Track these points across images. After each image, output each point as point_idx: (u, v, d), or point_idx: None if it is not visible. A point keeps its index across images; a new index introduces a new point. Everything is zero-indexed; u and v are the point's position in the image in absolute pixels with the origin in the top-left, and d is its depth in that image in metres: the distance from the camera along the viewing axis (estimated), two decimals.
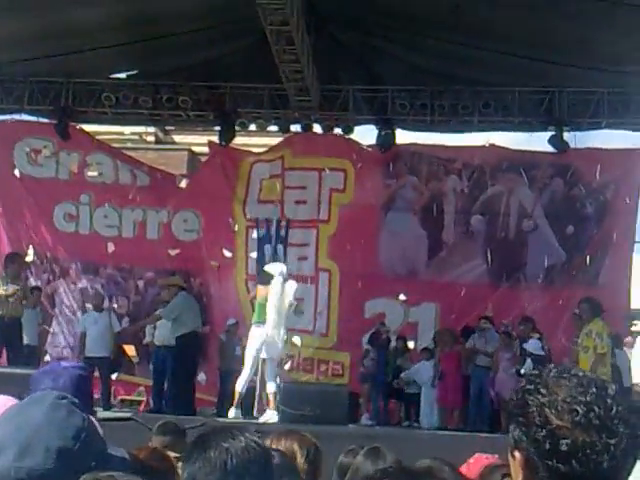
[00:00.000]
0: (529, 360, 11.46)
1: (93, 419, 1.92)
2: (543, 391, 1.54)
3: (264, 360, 10.25)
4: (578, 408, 1.50)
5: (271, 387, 10.12)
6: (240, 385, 10.38)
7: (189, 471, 2.00)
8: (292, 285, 10.31)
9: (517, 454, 1.58)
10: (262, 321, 10.19)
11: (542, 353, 11.76)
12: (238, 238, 15.02)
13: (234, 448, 1.98)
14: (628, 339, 11.43)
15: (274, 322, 10.02)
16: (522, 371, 11.20)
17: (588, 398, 1.51)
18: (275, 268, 10.59)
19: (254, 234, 14.85)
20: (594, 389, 1.53)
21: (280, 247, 12.37)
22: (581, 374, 1.57)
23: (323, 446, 8.33)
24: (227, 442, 1.99)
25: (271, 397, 10.11)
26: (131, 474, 1.72)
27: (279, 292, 10.11)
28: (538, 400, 1.54)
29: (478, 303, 14.03)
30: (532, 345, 11.79)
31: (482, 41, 13.00)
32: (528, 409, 1.55)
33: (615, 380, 10.47)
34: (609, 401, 1.52)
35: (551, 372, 1.59)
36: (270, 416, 9.92)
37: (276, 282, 10.19)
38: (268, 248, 12.43)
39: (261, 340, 10.14)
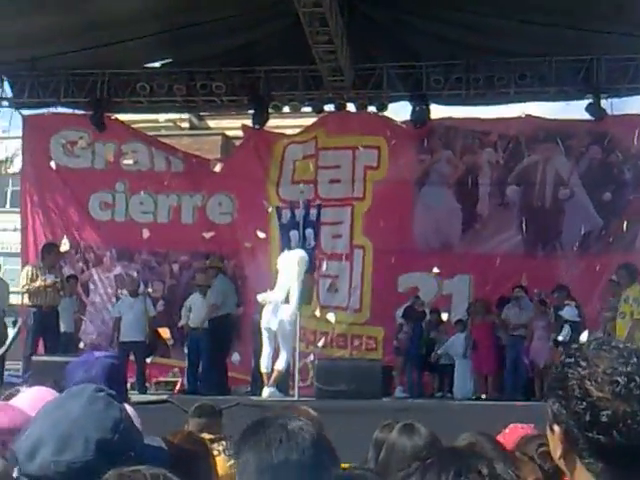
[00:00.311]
0: (567, 327, 11.38)
1: (129, 409, 1.95)
2: (583, 364, 1.53)
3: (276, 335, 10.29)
4: (619, 379, 1.49)
5: (279, 364, 10.18)
6: (264, 364, 10.36)
7: (244, 452, 1.96)
8: (301, 256, 10.46)
9: (556, 428, 1.57)
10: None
11: (578, 319, 11.68)
12: (272, 219, 15.06)
13: (290, 426, 1.96)
14: None
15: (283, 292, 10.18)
16: (560, 338, 11.13)
17: (629, 369, 1.50)
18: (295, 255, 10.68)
19: (282, 218, 14.87)
20: (635, 359, 1.52)
21: (310, 231, 12.37)
22: (622, 346, 1.56)
23: (359, 420, 8.40)
24: (283, 420, 1.98)
25: (276, 373, 10.17)
26: (164, 464, 1.70)
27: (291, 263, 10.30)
28: (578, 373, 1.53)
29: (513, 273, 13.91)
30: (568, 312, 11.71)
31: (515, 12, 12.83)
32: (567, 382, 1.54)
33: None
34: None
35: (591, 345, 1.58)
36: (269, 393, 9.98)
37: (288, 258, 10.38)
38: (295, 234, 12.44)
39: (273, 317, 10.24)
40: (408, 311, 13.39)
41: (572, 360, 1.56)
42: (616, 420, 1.48)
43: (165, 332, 14.07)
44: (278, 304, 10.29)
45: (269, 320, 10.31)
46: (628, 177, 14.32)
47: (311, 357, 14.19)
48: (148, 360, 13.01)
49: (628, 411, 1.48)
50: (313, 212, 12.89)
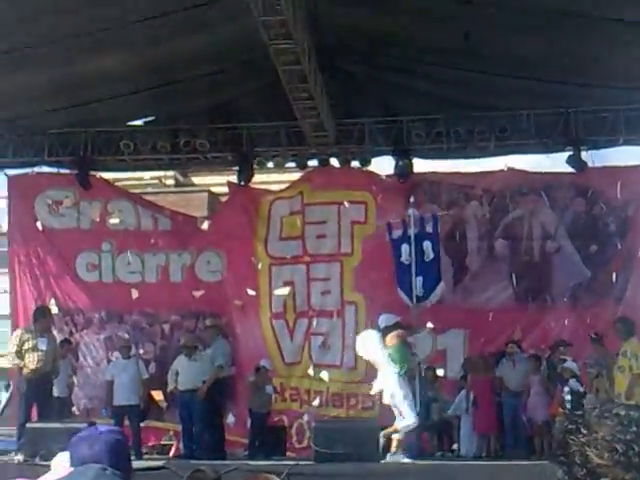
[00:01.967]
0: (572, 380, 11.33)
1: None
2: (584, 431, 1.55)
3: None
4: (618, 447, 1.51)
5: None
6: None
7: None
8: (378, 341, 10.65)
9: None
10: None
11: (580, 374, 11.66)
12: (261, 276, 15.06)
13: None
14: None
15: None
16: (574, 390, 11.07)
17: (628, 437, 1.51)
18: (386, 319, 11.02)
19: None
20: (634, 428, 1.53)
21: (427, 243, 12.35)
22: (623, 413, 1.57)
23: None
24: None
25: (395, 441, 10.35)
26: None
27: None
28: (579, 440, 1.55)
29: (506, 327, 13.97)
30: (574, 366, 11.67)
31: (494, 66, 13.05)
32: (569, 449, 1.57)
33: None
34: None
35: (593, 411, 1.60)
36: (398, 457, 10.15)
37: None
38: (406, 248, 12.41)
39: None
40: None
41: (574, 427, 1.58)
42: None
43: (158, 394, 13.90)
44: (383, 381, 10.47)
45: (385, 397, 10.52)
46: (613, 229, 14.47)
47: (306, 417, 14.06)
48: (142, 424, 12.82)
49: (627, 478, 1.50)
50: (428, 223, 12.83)
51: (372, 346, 10.60)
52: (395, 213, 14.96)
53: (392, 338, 10.60)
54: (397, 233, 13.35)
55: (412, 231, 12.62)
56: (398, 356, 10.47)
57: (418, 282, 12.62)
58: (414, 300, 12.62)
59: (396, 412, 10.42)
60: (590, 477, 1.52)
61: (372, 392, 10.90)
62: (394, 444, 10.36)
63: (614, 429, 1.53)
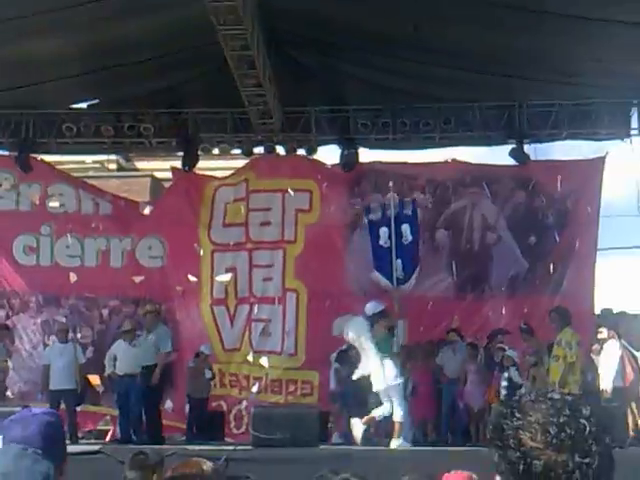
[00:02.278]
0: (512, 368, 11.51)
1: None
2: (518, 415, 1.57)
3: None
4: (550, 429, 1.53)
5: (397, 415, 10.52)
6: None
7: None
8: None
9: (497, 477, 1.61)
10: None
11: (518, 362, 11.86)
12: (203, 263, 14.99)
13: None
14: (595, 346, 11.54)
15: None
16: (514, 379, 11.25)
17: (561, 420, 1.54)
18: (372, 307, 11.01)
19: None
20: (567, 411, 1.55)
21: (406, 226, 12.37)
22: (557, 397, 1.60)
23: (296, 469, 8.31)
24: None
25: (397, 426, 10.48)
26: None
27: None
28: (513, 423, 1.57)
29: (445, 316, 14.15)
30: (514, 354, 11.86)
31: (441, 58, 13.13)
32: (504, 433, 1.58)
33: (587, 387, 10.60)
34: (582, 421, 1.55)
35: (528, 396, 1.62)
36: (398, 444, 10.31)
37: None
38: (385, 231, 12.37)
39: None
40: (341, 356, 13.34)
41: (508, 411, 1.60)
42: (548, 469, 1.52)
43: (95, 379, 13.74)
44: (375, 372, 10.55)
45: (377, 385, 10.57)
46: (552, 221, 14.74)
47: (244, 403, 14.06)
48: (78, 408, 12.66)
49: (559, 460, 1.52)
50: (407, 207, 12.78)
51: (360, 333, 10.67)
52: (340, 202, 15.07)
53: (379, 327, 10.65)
54: (375, 216, 13.40)
55: (392, 213, 12.65)
56: (385, 344, 10.58)
57: (398, 265, 12.71)
58: (394, 283, 12.70)
59: (384, 397, 10.54)
60: (524, 460, 1.54)
61: (354, 377, 10.84)
62: (396, 428, 10.48)
63: (547, 412, 1.55)
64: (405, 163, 15.43)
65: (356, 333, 10.79)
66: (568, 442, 1.52)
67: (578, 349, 10.34)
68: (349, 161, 15.05)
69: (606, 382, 10.50)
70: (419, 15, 11.98)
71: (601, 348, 11.00)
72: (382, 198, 14.82)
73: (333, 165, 15.39)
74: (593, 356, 11.30)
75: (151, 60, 13.63)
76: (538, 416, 1.55)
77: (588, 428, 1.54)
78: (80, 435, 12.66)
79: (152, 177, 22.28)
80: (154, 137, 15.10)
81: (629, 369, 10.59)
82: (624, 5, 11.21)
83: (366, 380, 10.73)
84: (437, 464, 8.65)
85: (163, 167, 18.89)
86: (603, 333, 10.86)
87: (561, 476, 1.52)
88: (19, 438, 2.27)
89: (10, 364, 14.15)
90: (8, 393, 13.56)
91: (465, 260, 14.76)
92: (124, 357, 12.08)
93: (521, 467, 1.54)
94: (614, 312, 12.40)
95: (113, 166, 23.69)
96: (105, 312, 15.07)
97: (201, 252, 14.91)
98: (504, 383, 11.37)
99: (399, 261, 12.73)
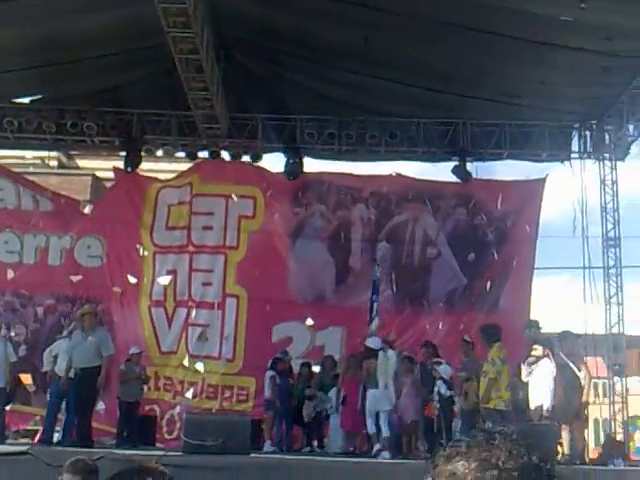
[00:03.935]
0: (440, 382, 11.60)
1: None
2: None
3: (378, 412, 11.38)
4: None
5: (385, 432, 11.26)
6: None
7: None
8: (391, 355, 11.74)
9: None
10: (374, 385, 11.42)
11: (449, 378, 11.95)
12: (145, 264, 14.86)
13: None
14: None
15: (383, 384, 11.35)
16: (442, 392, 11.34)
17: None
18: (374, 343, 11.79)
19: (164, 260, 14.77)
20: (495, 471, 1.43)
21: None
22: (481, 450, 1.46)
23: (226, 476, 8.24)
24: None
25: (384, 441, 11.23)
26: None
27: (382, 361, 11.47)
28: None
29: (382, 327, 14.22)
30: (444, 370, 11.95)
31: (389, 72, 13.28)
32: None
33: (516, 405, 10.74)
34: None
35: (445, 450, 1.51)
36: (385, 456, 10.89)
37: (380, 355, 11.52)
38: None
39: (375, 398, 11.41)
40: (274, 364, 13.31)
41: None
42: None
43: (27, 378, 13.45)
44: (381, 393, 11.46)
45: (373, 404, 11.48)
46: (491, 239, 14.98)
47: (178, 408, 13.93)
48: (7, 407, 12.38)
49: None
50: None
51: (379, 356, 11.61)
52: (283, 210, 15.10)
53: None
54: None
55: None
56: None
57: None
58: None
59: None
60: None
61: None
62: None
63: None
64: (350, 175, 15.54)
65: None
66: None
67: (502, 366, 10.47)
68: (294, 170, 15.10)
69: (537, 400, 10.65)
70: (370, 28, 12.08)
71: (535, 365, 11.16)
72: (325, 210, 14.94)
73: (278, 173, 15.39)
74: (525, 373, 11.43)
75: (98, 58, 13.47)
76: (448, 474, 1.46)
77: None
78: (8, 435, 12.38)
79: (93, 176, 22.01)
80: (97, 136, 14.95)
81: (559, 389, 10.74)
82: (568, 30, 11.47)
83: None
84: (366, 476, 8.74)
85: (105, 167, 18.67)
86: (538, 350, 11.01)
87: None
88: None
89: None
90: None
91: (405, 273, 14.91)
92: (63, 358, 11.83)
93: None
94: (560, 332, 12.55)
95: (54, 163, 23.35)
96: (40, 310, 14.82)
97: (145, 253, 14.78)
98: (436, 397, 11.48)
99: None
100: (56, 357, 12.04)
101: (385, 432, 11.32)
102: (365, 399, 11.82)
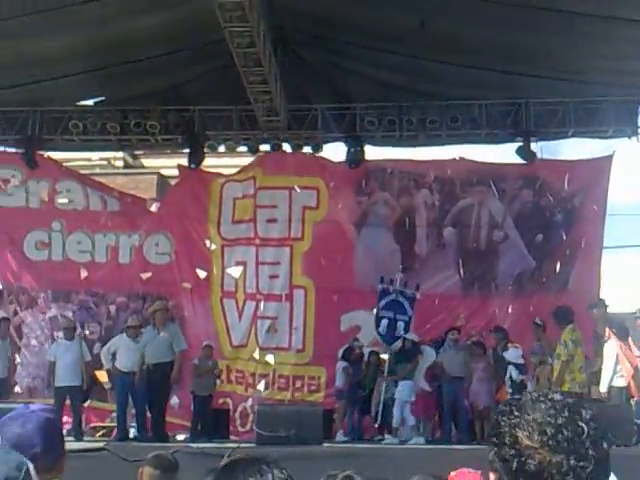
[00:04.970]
0: (511, 368, 11.48)
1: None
2: (516, 413, 1.56)
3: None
4: (547, 430, 1.51)
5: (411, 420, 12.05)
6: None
7: None
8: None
9: (491, 475, 1.60)
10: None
11: (522, 362, 11.81)
12: (214, 257, 15.05)
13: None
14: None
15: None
16: (514, 378, 11.24)
17: (559, 421, 1.52)
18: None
19: (232, 252, 14.90)
20: (566, 412, 1.53)
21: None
22: (558, 397, 1.58)
23: (300, 466, 8.28)
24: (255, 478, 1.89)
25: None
26: None
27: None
28: (510, 421, 1.56)
29: (451, 313, 14.20)
30: (512, 354, 11.83)
31: (448, 55, 13.13)
32: (500, 429, 1.57)
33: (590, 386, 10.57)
34: (581, 424, 1.53)
35: (530, 395, 1.61)
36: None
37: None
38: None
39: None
40: (347, 353, 13.36)
41: (507, 408, 1.59)
42: (542, 470, 1.51)
43: (102, 375, 13.72)
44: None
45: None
46: (559, 219, 14.71)
47: (250, 401, 14.07)
48: (85, 404, 12.66)
49: (554, 462, 1.50)
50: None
51: None
52: (347, 199, 15.08)
53: None
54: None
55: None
56: None
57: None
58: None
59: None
60: (517, 458, 1.52)
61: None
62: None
63: (546, 412, 1.53)
64: (412, 161, 15.43)
65: None
66: (564, 444, 1.50)
67: (575, 348, 10.30)
68: (355, 158, 15.06)
69: (603, 382, 10.50)
70: (426, 12, 11.97)
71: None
72: (389, 197, 14.87)
73: (339, 162, 15.37)
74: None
75: (158, 57, 13.65)
76: (536, 415, 1.54)
77: (586, 431, 1.52)
78: (86, 431, 12.67)
79: (159, 174, 22.31)
80: (160, 134, 15.12)
81: (628, 367, 10.55)
82: (630, 3, 11.19)
83: None
84: (441, 462, 8.67)
85: (169, 164, 18.90)
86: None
87: (554, 477, 1.50)
88: (17, 435, 2.28)
89: (18, 359, 14.22)
90: (17, 389, 13.60)
91: (472, 258, 14.76)
92: (127, 353, 12.02)
93: (515, 465, 1.53)
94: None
95: (120, 163, 23.74)
96: (112, 308, 15.13)
97: (213, 246, 14.95)
98: (508, 382, 11.36)
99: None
100: (114, 354, 12.23)
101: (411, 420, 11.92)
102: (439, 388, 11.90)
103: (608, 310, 11.30)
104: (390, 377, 12.78)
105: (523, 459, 1.52)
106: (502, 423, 1.57)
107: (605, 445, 1.54)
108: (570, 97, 14.35)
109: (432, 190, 15.03)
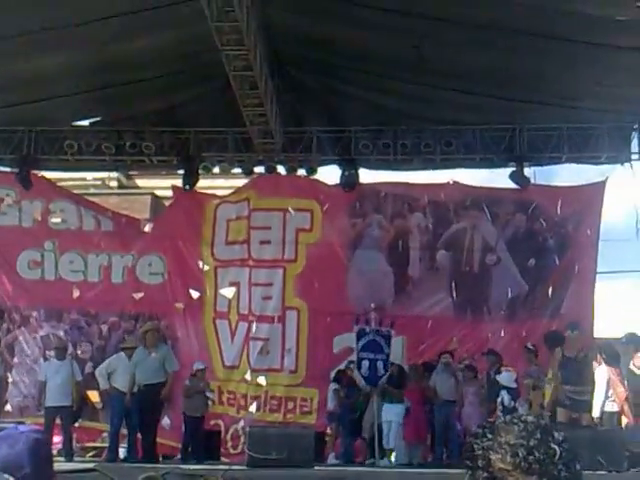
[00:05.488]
0: (503, 392, 11.46)
1: None
2: (489, 435, 1.56)
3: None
4: (519, 452, 1.51)
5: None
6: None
7: None
8: None
9: None
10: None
11: (515, 386, 11.79)
12: (207, 278, 15.03)
13: None
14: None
15: None
16: (505, 403, 11.22)
17: (531, 443, 1.52)
18: None
19: (226, 273, 14.93)
20: (538, 434, 1.54)
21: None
22: (531, 419, 1.58)
23: None
24: None
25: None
26: None
27: None
28: (483, 444, 1.56)
29: (444, 336, 14.19)
30: (505, 378, 11.81)
31: (443, 80, 13.20)
32: (473, 452, 1.57)
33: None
34: (553, 446, 1.53)
35: (503, 418, 1.61)
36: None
37: None
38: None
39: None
40: (339, 375, 13.31)
41: (480, 431, 1.60)
42: None
43: (94, 395, 13.66)
44: None
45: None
46: (551, 244, 14.75)
47: (242, 423, 14.00)
48: (76, 424, 12.59)
49: None
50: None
51: None
52: (341, 222, 15.11)
53: None
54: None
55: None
56: None
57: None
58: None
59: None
60: None
61: None
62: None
63: (519, 434, 1.54)
64: (407, 184, 15.46)
65: None
66: (536, 465, 1.50)
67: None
68: (349, 181, 15.11)
69: (595, 407, 10.49)
70: (421, 36, 12.04)
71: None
72: (382, 220, 14.91)
73: (334, 185, 15.41)
74: None
75: (154, 79, 13.71)
76: (509, 437, 1.53)
77: (558, 453, 1.52)
78: (76, 451, 12.59)
79: (153, 195, 22.30)
80: (155, 155, 15.17)
81: (620, 392, 10.54)
82: (625, 30, 11.27)
83: None
84: None
85: (164, 185, 18.90)
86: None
87: None
88: (6, 456, 2.26)
89: (11, 378, 14.14)
90: (7, 407, 13.51)
91: (465, 281, 14.77)
92: (124, 373, 11.99)
93: None
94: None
95: (114, 183, 23.71)
96: (104, 328, 15.09)
97: (206, 267, 14.94)
98: (499, 407, 11.33)
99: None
100: (110, 374, 12.19)
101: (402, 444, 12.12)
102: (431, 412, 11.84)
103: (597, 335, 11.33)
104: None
105: None
106: (475, 446, 1.57)
107: (577, 467, 1.55)
108: (564, 123, 14.44)
109: (426, 213, 15.07)
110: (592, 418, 10.46)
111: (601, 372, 10.68)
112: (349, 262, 14.98)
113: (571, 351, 10.48)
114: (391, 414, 12.42)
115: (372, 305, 14.32)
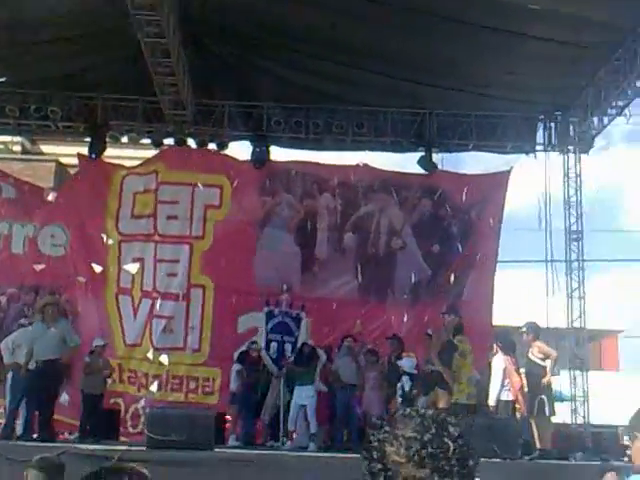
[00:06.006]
0: (405, 378, 11.61)
1: None
2: (387, 428, 1.59)
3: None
4: (413, 445, 1.54)
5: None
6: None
7: None
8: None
9: None
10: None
11: (415, 372, 11.95)
12: (111, 252, 14.67)
13: None
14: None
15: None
16: (407, 389, 11.35)
17: (425, 437, 1.55)
18: None
19: (130, 248, 14.64)
20: (434, 429, 1.56)
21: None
22: (429, 414, 1.61)
23: (190, 471, 8.16)
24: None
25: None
26: None
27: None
28: (379, 435, 1.59)
29: (348, 318, 14.27)
30: (406, 364, 11.95)
31: (357, 60, 13.23)
32: (370, 444, 1.60)
33: (480, 399, 10.81)
34: (446, 441, 1.56)
35: (402, 410, 1.64)
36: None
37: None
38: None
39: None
40: (242, 355, 13.24)
41: (379, 423, 1.64)
42: None
43: None
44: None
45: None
46: (455, 231, 15.02)
47: (142, 402, 13.79)
48: None
49: (417, 477, 1.53)
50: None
51: None
52: (250, 199, 15.00)
53: None
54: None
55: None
56: None
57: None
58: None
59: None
60: (385, 472, 1.56)
61: None
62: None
63: (415, 428, 1.57)
64: (317, 164, 15.47)
65: None
66: (429, 460, 1.54)
67: (462, 359, 10.53)
68: (260, 158, 15.01)
69: (492, 396, 10.77)
70: (339, 15, 12.02)
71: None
72: (292, 199, 14.88)
73: (244, 161, 15.28)
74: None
75: (63, 41, 13.23)
76: (405, 431, 1.57)
77: (452, 448, 1.55)
78: None
79: (57, 162, 21.69)
80: (61, 121, 14.75)
81: (516, 381, 10.80)
82: (536, 20, 11.50)
83: None
84: (331, 470, 8.72)
85: (70, 152, 18.41)
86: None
87: None
88: None
89: None
90: None
91: (370, 264, 14.91)
92: (24, 349, 11.57)
93: (382, 479, 1.56)
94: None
95: (17, 148, 22.98)
96: (3, 299, 14.62)
97: (109, 242, 14.59)
98: (399, 392, 11.47)
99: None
100: (14, 349, 11.82)
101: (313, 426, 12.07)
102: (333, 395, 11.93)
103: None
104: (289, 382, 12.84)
105: (390, 474, 1.55)
106: (372, 437, 1.60)
107: (471, 462, 1.58)
108: (472, 110, 14.65)
109: (335, 195, 15.12)
110: (489, 406, 10.71)
111: (497, 361, 10.94)
112: (257, 241, 14.90)
113: (447, 335, 10.78)
114: (302, 398, 12.40)
115: (284, 287, 14.30)
